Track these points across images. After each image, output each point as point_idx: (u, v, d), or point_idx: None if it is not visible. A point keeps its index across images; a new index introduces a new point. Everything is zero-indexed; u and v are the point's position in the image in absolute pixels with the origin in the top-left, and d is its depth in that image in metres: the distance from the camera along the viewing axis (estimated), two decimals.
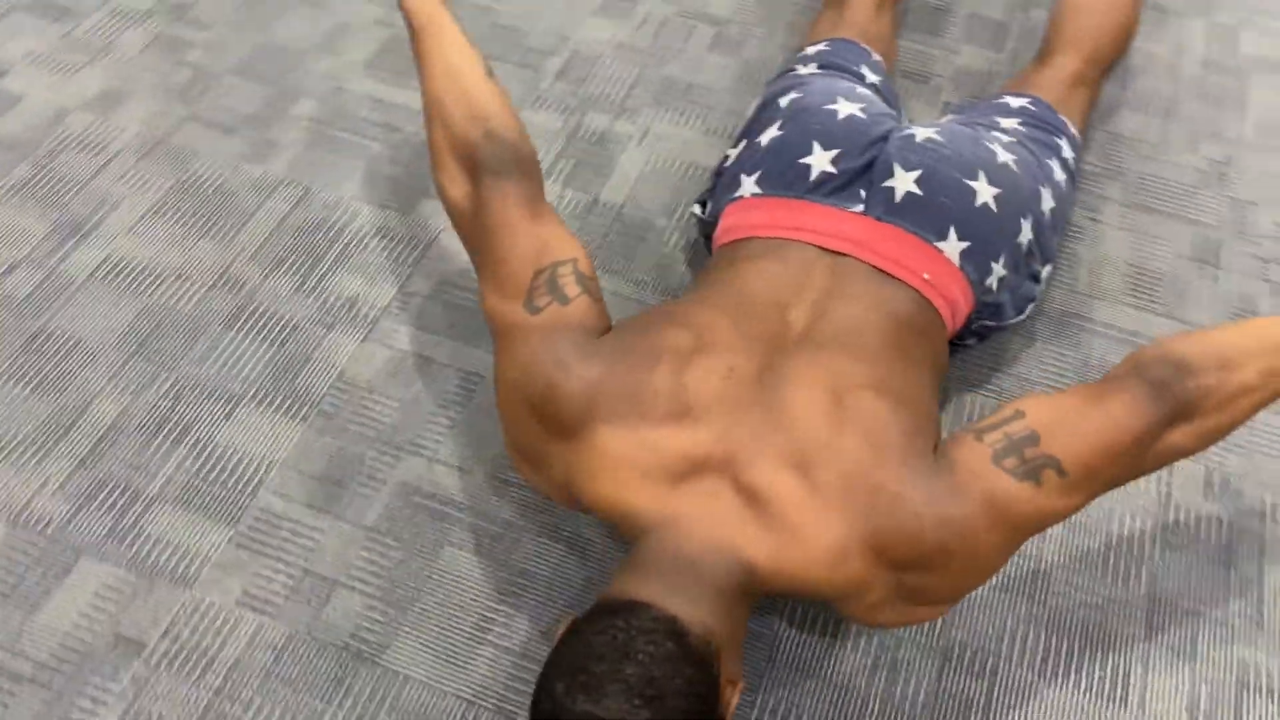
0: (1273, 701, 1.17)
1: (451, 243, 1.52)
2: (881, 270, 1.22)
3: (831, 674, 1.17)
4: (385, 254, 1.50)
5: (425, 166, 1.61)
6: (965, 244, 1.24)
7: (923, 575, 1.00)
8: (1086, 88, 1.59)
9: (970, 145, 1.31)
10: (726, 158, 1.42)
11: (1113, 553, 1.27)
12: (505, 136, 1.20)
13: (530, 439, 1.09)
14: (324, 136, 1.64)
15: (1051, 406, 1.05)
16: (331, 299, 1.45)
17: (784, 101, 1.37)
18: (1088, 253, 1.57)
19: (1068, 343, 1.47)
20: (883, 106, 1.38)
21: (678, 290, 1.49)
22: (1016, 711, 1.15)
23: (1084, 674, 1.18)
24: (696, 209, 1.45)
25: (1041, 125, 1.46)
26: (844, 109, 1.32)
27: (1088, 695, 1.17)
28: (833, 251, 1.23)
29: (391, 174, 1.60)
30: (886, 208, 1.24)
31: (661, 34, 1.82)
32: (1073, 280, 1.54)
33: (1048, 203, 1.36)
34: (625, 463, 1.02)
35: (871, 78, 1.50)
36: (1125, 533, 1.28)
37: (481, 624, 1.19)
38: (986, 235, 1.26)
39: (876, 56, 1.57)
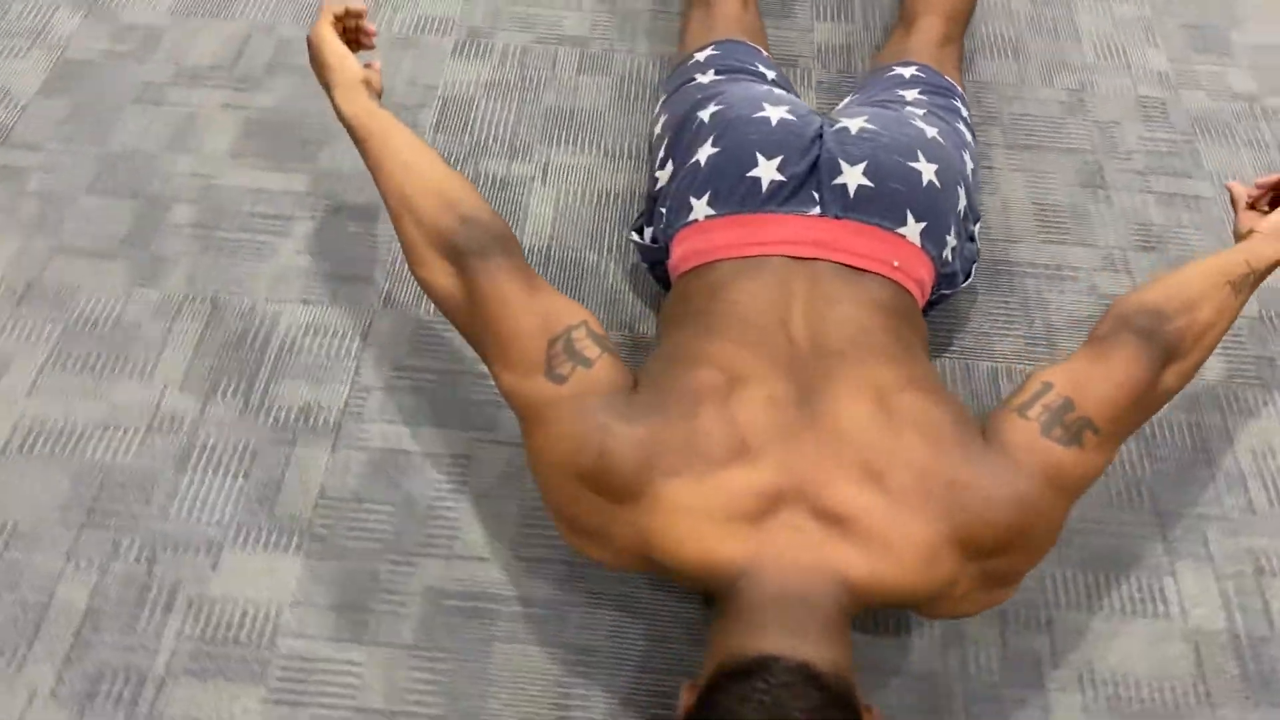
0: None
1: (388, 325, 1.44)
2: (853, 267, 1.24)
3: (910, 667, 1.19)
4: (323, 351, 1.41)
5: (335, 250, 1.52)
6: (923, 224, 1.28)
7: (1003, 559, 1.03)
8: (954, 45, 1.66)
9: (900, 127, 1.34)
10: (656, 181, 1.40)
11: (1112, 482, 1.35)
12: (480, 218, 1.16)
13: (589, 513, 1.05)
14: (213, 241, 1.52)
15: (1070, 372, 1.09)
16: (283, 413, 1.35)
17: (706, 115, 1.36)
18: (992, 200, 1.64)
19: (1005, 289, 1.54)
20: (803, 103, 1.40)
21: (635, 322, 1.47)
22: (1081, 652, 1.20)
23: (1126, 599, 1.25)
24: (635, 236, 1.43)
25: (937, 91, 1.51)
26: (773, 114, 1.33)
27: (1136, 617, 1.23)
28: (802, 258, 1.23)
29: (301, 265, 1.50)
30: (843, 205, 1.26)
31: (526, 65, 1.78)
32: (988, 230, 1.61)
33: (969, 165, 1.42)
34: (701, 513, 1.00)
35: (770, 74, 1.52)
36: (1117, 461, 1.36)
37: (558, 711, 1.14)
38: (938, 211, 1.30)
39: (765, 52, 1.59)
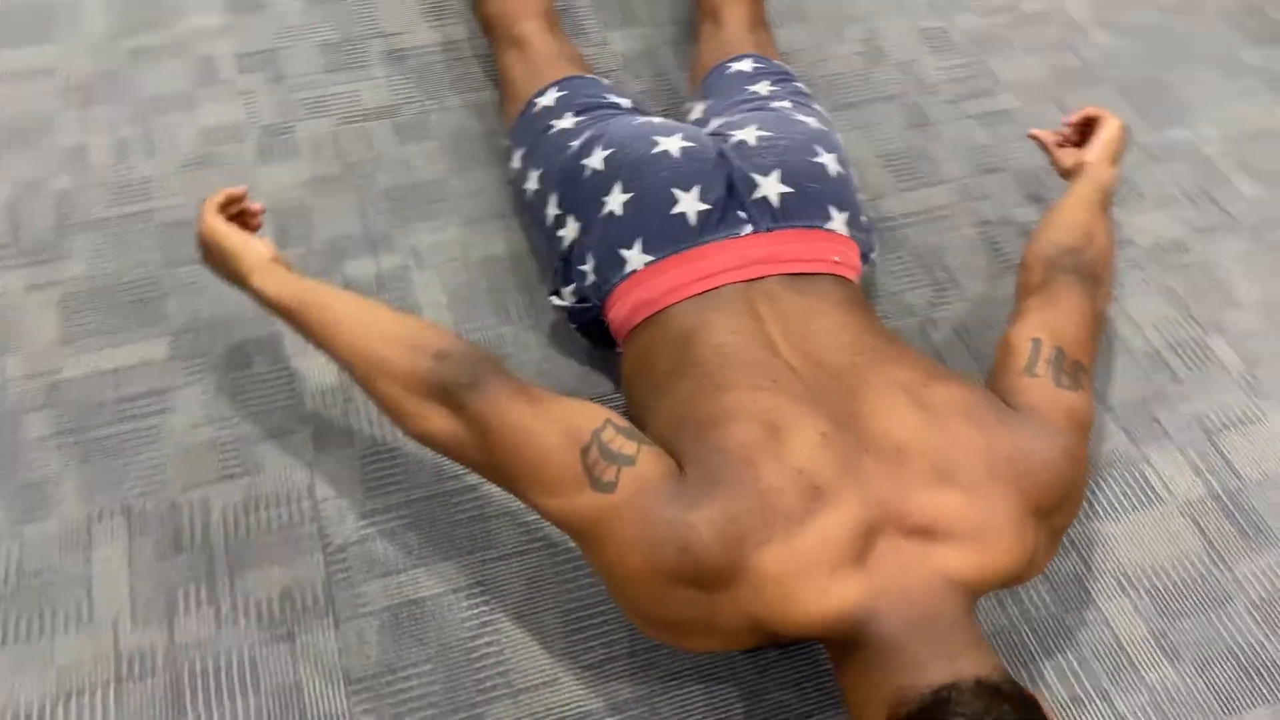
0: (1237, 430, 1.41)
1: (333, 472, 1.31)
2: (800, 274, 1.24)
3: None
4: (275, 525, 1.27)
5: (234, 408, 1.36)
6: (845, 214, 1.30)
7: (1062, 510, 1.08)
8: (764, 25, 1.69)
9: (789, 126, 1.36)
10: (560, 239, 1.35)
11: None
12: (455, 349, 1.09)
13: (685, 610, 1.01)
14: (89, 445, 1.32)
15: (1043, 324, 1.17)
16: (264, 607, 1.21)
17: (598, 162, 1.32)
18: None
19: (893, 246, 1.60)
20: (690, 126, 1.38)
21: (581, 384, 1.41)
22: (1110, 559, 1.29)
23: (1121, 497, 1.35)
24: (558, 300, 1.37)
25: (782, 77, 1.53)
26: (671, 145, 1.30)
27: (1137, 510, 1.34)
28: (751, 279, 1.23)
29: (204, 439, 1.33)
30: (772, 216, 1.26)
31: (344, 151, 1.65)
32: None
33: (841, 141, 1.46)
34: (805, 573, 0.98)
35: (624, 102, 1.49)
36: None
37: None
38: (848, 196, 1.33)
39: (605, 80, 1.55)
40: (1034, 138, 1.50)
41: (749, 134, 1.33)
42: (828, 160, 1.33)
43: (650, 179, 1.28)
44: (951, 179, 1.68)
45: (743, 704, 1.17)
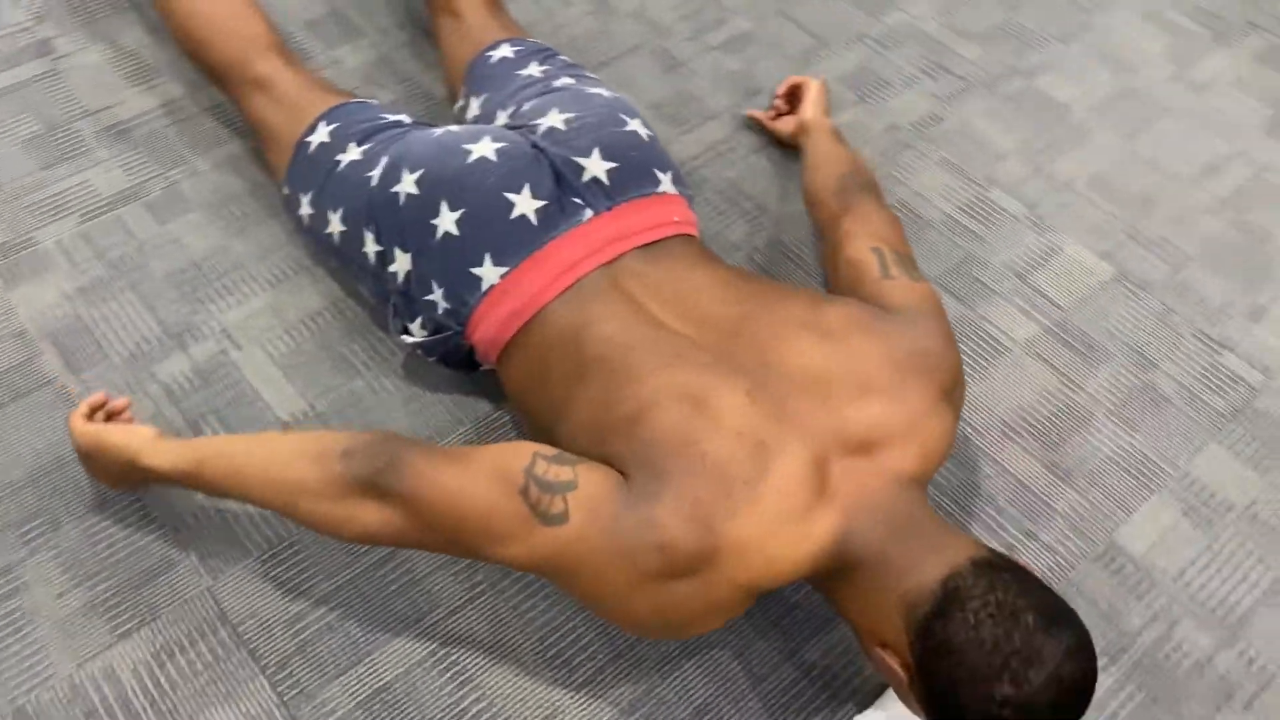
0: (1042, 267, 1.55)
1: (238, 588, 1.20)
2: (651, 243, 1.26)
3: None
4: (202, 668, 1.15)
5: (100, 559, 1.21)
6: (669, 173, 1.32)
7: (959, 385, 1.17)
8: (501, 7, 1.66)
9: (588, 100, 1.35)
10: (391, 276, 1.29)
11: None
12: (356, 442, 1.07)
13: (683, 602, 1.01)
14: None
15: (871, 235, 1.28)
16: None
17: (410, 187, 1.26)
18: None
19: (697, 188, 1.63)
20: (491, 125, 1.34)
21: (458, 415, 1.36)
22: (987, 435, 1.40)
23: (974, 363, 1.46)
24: (410, 338, 1.31)
25: (544, 54, 1.52)
26: (484, 149, 1.26)
27: (991, 368, 1.45)
28: (609, 261, 1.23)
29: (76, 604, 1.18)
30: (607, 194, 1.26)
31: (101, 249, 1.48)
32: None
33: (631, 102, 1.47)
34: (780, 525, 1.01)
35: (403, 117, 1.42)
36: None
37: None
38: (664, 155, 1.35)
39: (372, 100, 1.48)
40: (751, 117, 1.69)
41: (554, 119, 1.31)
42: (636, 125, 1.33)
43: (477, 190, 1.24)
44: (720, 111, 1.73)
45: (737, 661, 1.19)
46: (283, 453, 1.09)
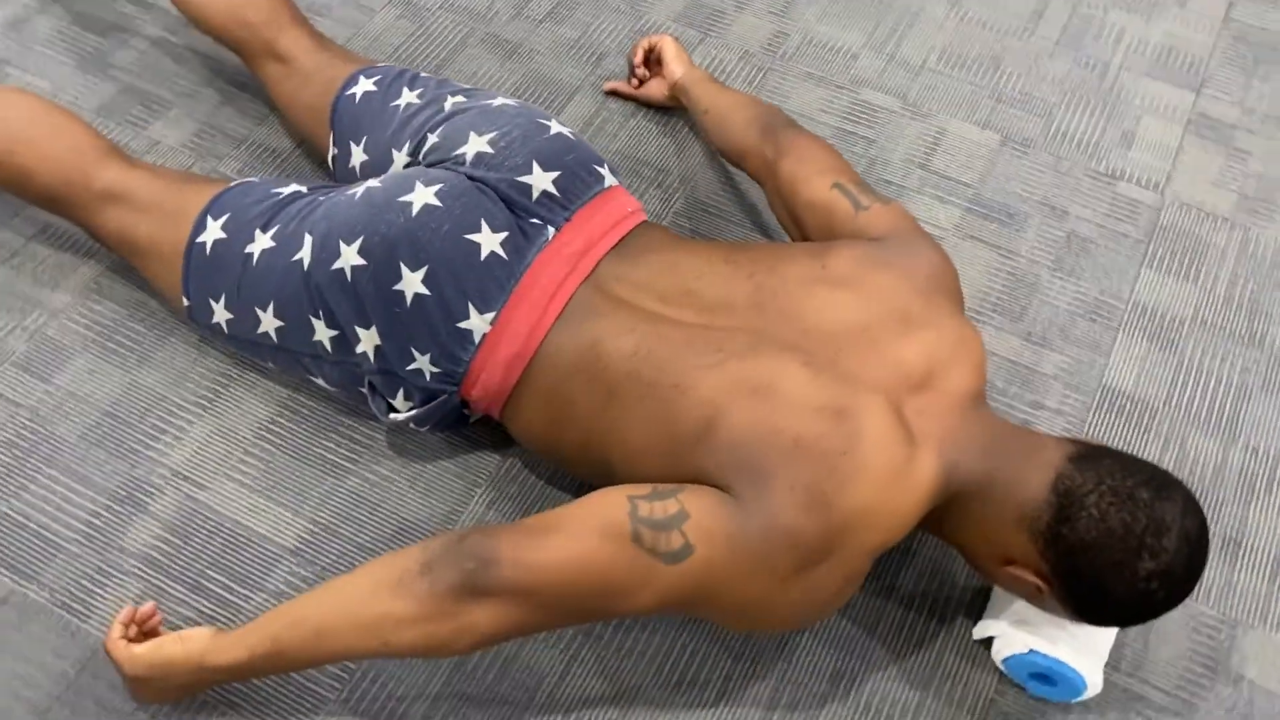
0: (937, 150, 1.61)
1: None
2: (621, 240, 1.22)
3: None
4: None
5: None
6: (604, 164, 1.28)
7: (961, 289, 1.21)
8: (326, 39, 1.53)
9: (498, 115, 1.27)
10: (362, 358, 1.19)
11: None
12: (430, 552, 0.99)
13: (829, 583, 1.02)
14: None
15: (822, 170, 1.29)
16: None
17: (355, 259, 1.15)
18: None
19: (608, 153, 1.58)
20: (424, 170, 1.23)
21: (469, 476, 1.28)
22: None
23: None
24: (400, 415, 1.21)
25: (407, 78, 1.40)
26: (424, 197, 1.17)
27: None
28: (589, 274, 1.18)
29: None
30: (561, 205, 1.21)
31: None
32: None
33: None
34: (889, 482, 1.01)
35: (297, 186, 1.29)
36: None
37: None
38: (592, 148, 1.29)
39: (253, 178, 1.33)
40: (614, 91, 1.66)
41: (477, 144, 1.23)
42: (558, 127, 1.27)
43: (435, 241, 1.15)
44: (579, 85, 1.67)
45: (845, 620, 1.20)
46: (359, 593, 1.00)
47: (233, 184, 1.29)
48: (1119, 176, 1.59)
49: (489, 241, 1.16)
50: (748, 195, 1.55)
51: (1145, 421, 1.35)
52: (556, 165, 1.22)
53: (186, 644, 1.02)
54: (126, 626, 1.05)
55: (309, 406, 1.32)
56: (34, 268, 1.42)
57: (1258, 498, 1.30)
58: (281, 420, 1.31)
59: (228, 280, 1.24)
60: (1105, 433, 1.34)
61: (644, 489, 1.02)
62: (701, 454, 1.03)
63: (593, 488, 1.12)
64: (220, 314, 1.25)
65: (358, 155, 1.36)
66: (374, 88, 1.38)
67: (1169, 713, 1.14)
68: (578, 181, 1.22)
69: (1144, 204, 1.56)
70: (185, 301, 1.28)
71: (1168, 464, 1.32)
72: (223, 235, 1.24)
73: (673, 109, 1.63)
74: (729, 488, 1.01)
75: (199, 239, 1.25)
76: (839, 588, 1.02)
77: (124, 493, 1.24)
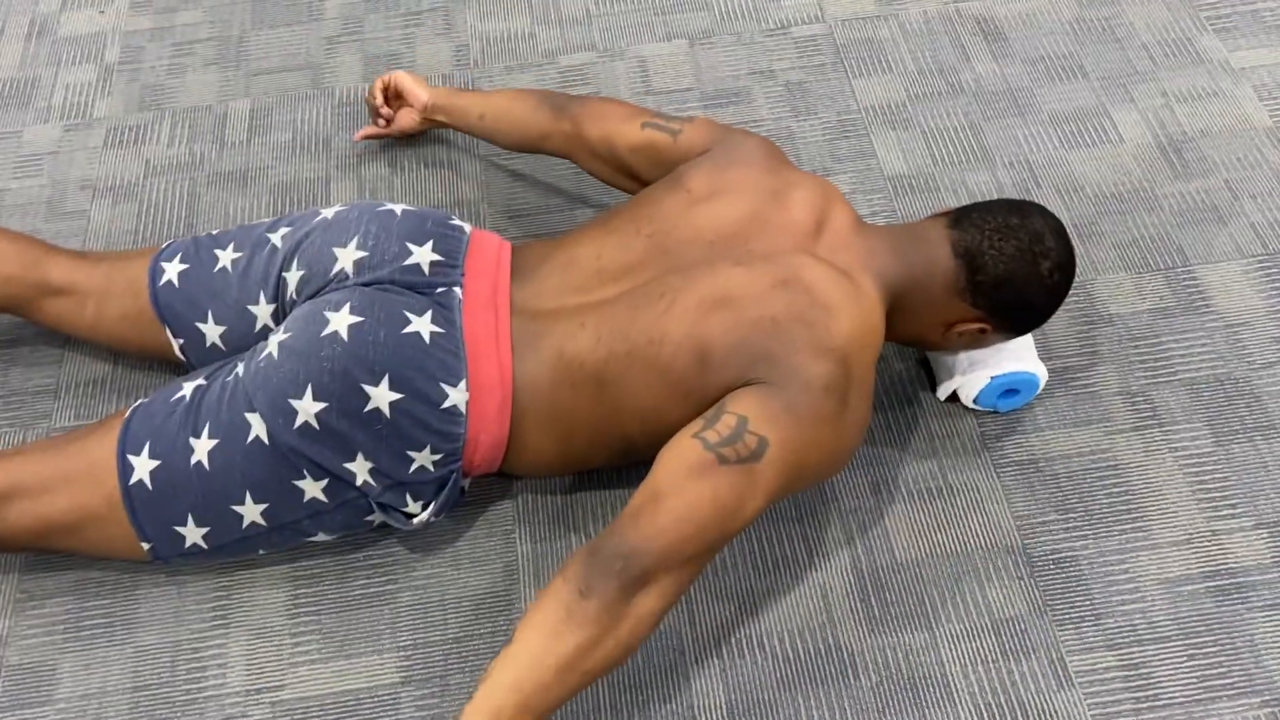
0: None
1: None
2: (512, 270, 1.32)
3: None
4: None
5: None
6: (454, 216, 1.36)
7: None
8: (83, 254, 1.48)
9: (340, 222, 1.31)
10: (366, 485, 1.22)
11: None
12: (578, 575, 1.07)
13: (860, 404, 1.20)
14: None
15: (624, 116, 1.42)
16: None
17: (313, 406, 1.17)
18: None
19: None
20: (303, 307, 1.25)
21: (514, 525, 1.35)
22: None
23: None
24: (419, 518, 1.26)
25: (208, 240, 1.41)
26: (342, 319, 1.21)
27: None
28: (511, 303, 1.28)
29: None
30: (451, 265, 1.29)
31: None
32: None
33: None
34: (853, 309, 1.20)
35: (193, 381, 1.28)
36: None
37: None
38: (436, 210, 1.37)
39: (141, 399, 1.29)
40: (368, 137, 1.69)
41: (349, 255, 1.27)
42: (391, 206, 1.33)
43: (383, 350, 1.19)
44: (326, 173, 1.71)
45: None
46: (539, 646, 1.05)
47: (128, 414, 1.25)
48: (789, 25, 1.86)
49: (423, 326, 1.22)
50: (541, 180, 1.67)
51: (932, 185, 1.64)
52: (426, 235, 1.29)
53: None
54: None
55: (316, 566, 1.33)
56: None
57: (1034, 195, 1.62)
58: (304, 591, 1.31)
59: (187, 498, 1.21)
60: (913, 207, 1.62)
61: (697, 424, 1.14)
62: (712, 378, 1.18)
63: (616, 473, 1.22)
64: (193, 534, 1.23)
65: (212, 331, 1.35)
66: (185, 265, 1.36)
67: (1085, 368, 1.44)
68: (450, 240, 1.30)
69: (819, 35, 1.84)
70: (146, 546, 1.24)
71: (965, 201, 1.62)
72: (156, 463, 1.21)
73: (422, 133, 1.70)
74: (750, 382, 1.16)
75: (131, 481, 1.21)
76: (866, 404, 1.21)
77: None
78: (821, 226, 1.28)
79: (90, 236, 1.64)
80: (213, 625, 1.29)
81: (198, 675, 1.25)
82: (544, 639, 1.05)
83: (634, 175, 1.43)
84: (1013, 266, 1.23)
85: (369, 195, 1.67)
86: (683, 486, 1.10)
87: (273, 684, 1.24)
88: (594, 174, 1.48)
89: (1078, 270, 1.53)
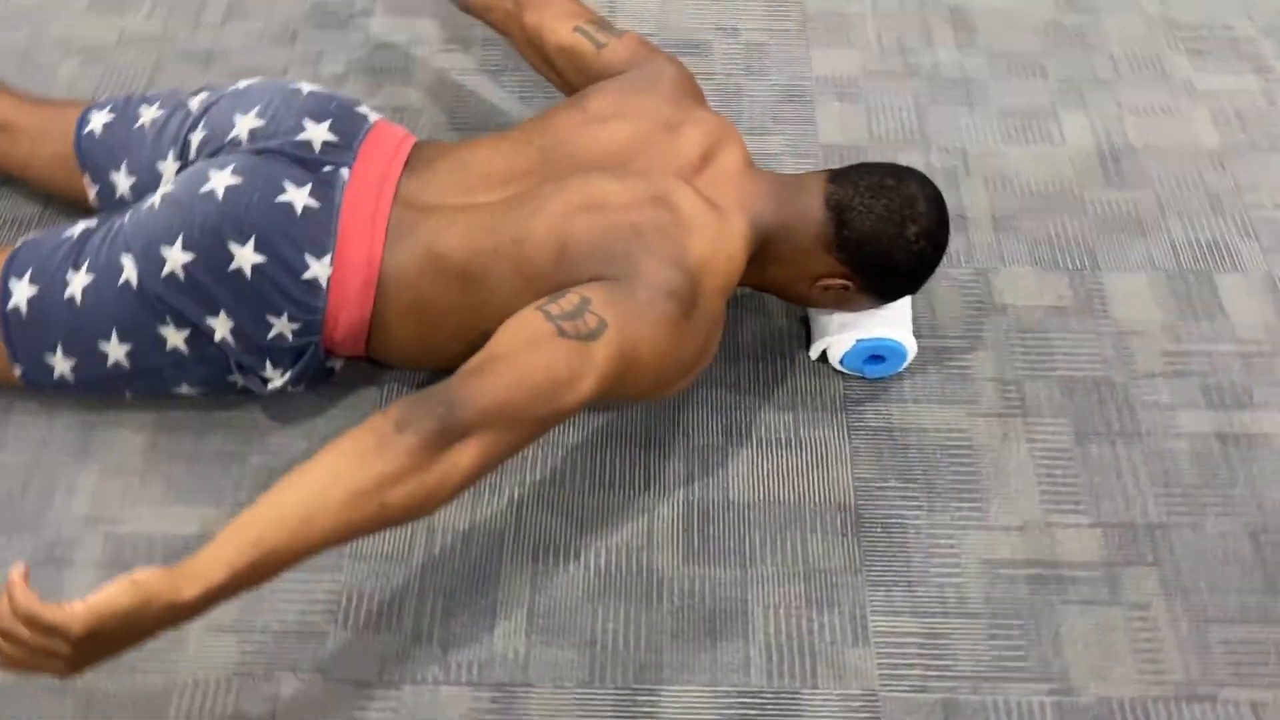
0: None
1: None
2: (407, 161, 1.36)
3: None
4: None
5: None
6: (364, 104, 1.41)
7: None
8: (34, 96, 1.55)
9: (249, 93, 1.36)
10: (225, 341, 1.27)
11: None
12: (402, 413, 1.03)
13: (703, 325, 1.22)
14: None
15: (564, 15, 1.45)
16: None
17: (182, 256, 1.23)
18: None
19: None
20: (196, 163, 1.31)
21: (357, 409, 1.39)
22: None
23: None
24: (274, 383, 1.30)
25: (136, 100, 1.47)
26: (222, 180, 1.26)
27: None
28: (396, 192, 1.31)
29: None
30: (345, 147, 1.33)
31: None
32: None
33: None
34: (714, 235, 1.23)
35: (86, 222, 1.34)
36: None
37: None
38: (346, 95, 1.42)
39: (31, 235, 1.36)
40: None
41: (246, 123, 1.32)
42: (305, 85, 1.39)
43: (254, 213, 1.24)
44: (285, 65, 1.76)
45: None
46: (340, 466, 1.00)
47: (18, 245, 1.32)
48: None
49: (298, 197, 1.26)
50: (486, 99, 1.71)
51: (862, 158, 1.65)
52: (326, 115, 1.34)
53: (142, 586, 0.92)
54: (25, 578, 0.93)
55: (179, 417, 1.38)
56: None
57: (961, 181, 1.62)
58: (161, 438, 1.36)
59: (58, 329, 1.27)
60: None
61: (543, 300, 1.17)
62: (563, 273, 1.21)
63: None
64: (61, 365, 1.29)
65: (123, 181, 1.41)
66: (110, 116, 1.43)
67: (965, 351, 1.44)
68: (349, 124, 1.35)
69: (790, 1, 1.85)
70: (17, 370, 1.31)
71: None
72: (34, 290, 1.28)
73: None
74: (604, 279, 1.19)
75: (9, 306, 1.28)
76: (711, 329, 1.23)
77: (41, 556, 1.27)
78: (707, 161, 1.31)
79: (52, 92, 1.71)
80: (70, 456, 1.35)
81: (47, 497, 1.32)
82: (347, 462, 1.00)
83: (555, 70, 1.46)
84: (879, 225, 1.24)
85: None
86: (520, 351, 1.10)
87: (113, 517, 1.30)
88: (529, 62, 1.51)
89: (984, 259, 1.53)
